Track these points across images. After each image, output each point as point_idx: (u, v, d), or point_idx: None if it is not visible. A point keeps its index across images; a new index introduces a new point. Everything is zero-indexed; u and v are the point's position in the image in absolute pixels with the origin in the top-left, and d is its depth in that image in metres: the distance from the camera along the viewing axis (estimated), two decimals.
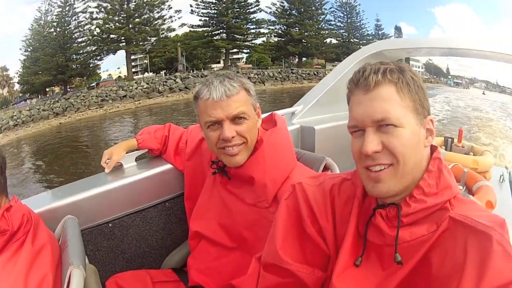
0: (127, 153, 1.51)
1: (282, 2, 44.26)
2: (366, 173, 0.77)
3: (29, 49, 48.31)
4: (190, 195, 1.40)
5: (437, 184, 0.76)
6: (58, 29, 44.94)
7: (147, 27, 40.60)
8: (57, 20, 45.15)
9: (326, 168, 1.31)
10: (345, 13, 45.86)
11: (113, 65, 48.40)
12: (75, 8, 44.61)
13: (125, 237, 1.45)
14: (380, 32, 46.09)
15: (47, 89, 49.54)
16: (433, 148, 0.82)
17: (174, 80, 36.83)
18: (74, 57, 44.55)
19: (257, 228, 1.14)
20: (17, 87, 56.12)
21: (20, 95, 56.10)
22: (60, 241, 1.14)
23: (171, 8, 41.20)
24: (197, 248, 1.32)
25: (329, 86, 2.16)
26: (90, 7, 42.67)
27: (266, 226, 1.02)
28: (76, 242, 1.06)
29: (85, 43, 43.92)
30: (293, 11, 44.20)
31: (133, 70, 60.69)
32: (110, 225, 1.42)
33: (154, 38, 41.55)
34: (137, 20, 40.51)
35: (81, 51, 44.44)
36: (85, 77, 47.90)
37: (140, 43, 41.37)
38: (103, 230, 1.41)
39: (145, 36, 40.74)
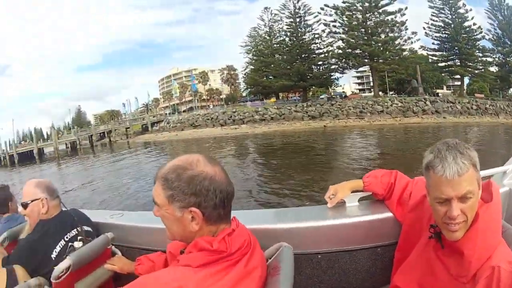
0: (352, 192, 1.56)
1: (495, 29, 44.04)
2: None
3: (257, 54, 53.48)
4: (402, 248, 1.42)
5: None
6: (293, 38, 48.36)
7: (390, 46, 42.12)
8: (290, 29, 48.77)
9: None
10: None
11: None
12: (306, 20, 47.98)
13: (328, 270, 1.52)
14: None
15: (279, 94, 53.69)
16: None
17: (424, 102, 37.83)
18: (313, 67, 47.43)
19: None
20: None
21: (243, 94, 61.68)
22: (270, 263, 1.20)
23: (407, 29, 42.50)
24: None
25: None
26: (325, 20, 45.46)
27: None
28: (289, 272, 1.12)
29: (323, 55, 46.65)
30: (506, 39, 43.54)
31: (360, 87, 64.01)
32: (319, 256, 1.49)
33: (396, 57, 42.56)
34: (381, 37, 42.32)
35: (321, 62, 47.32)
36: (324, 88, 51.03)
37: (384, 61, 42.63)
38: (311, 259, 1.50)
39: (390, 55, 42.07)
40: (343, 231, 1.46)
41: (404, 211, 1.45)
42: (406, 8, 42.05)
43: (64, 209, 1.94)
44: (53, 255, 1.75)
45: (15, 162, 50.49)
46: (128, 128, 55.63)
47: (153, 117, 60.06)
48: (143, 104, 76.81)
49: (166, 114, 62.13)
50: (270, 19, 52.28)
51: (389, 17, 42.03)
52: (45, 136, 75.44)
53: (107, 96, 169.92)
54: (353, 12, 42.94)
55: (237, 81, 63.78)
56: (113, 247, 1.93)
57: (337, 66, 46.23)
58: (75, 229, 1.87)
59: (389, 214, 1.47)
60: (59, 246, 1.78)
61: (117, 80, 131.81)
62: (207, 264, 0.96)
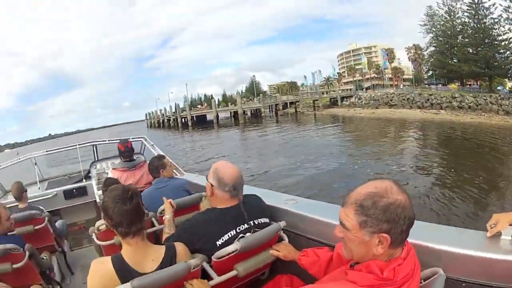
0: (510, 225, 1.49)
1: None
2: None
3: (438, 34, 54.05)
4: None
5: None
6: (475, 20, 48.81)
7: None
8: (471, 11, 49.05)
9: None
10: None
11: None
12: (483, 2, 48.18)
13: None
14: None
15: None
16: None
17: None
18: (496, 55, 47.89)
19: None
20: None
21: (425, 76, 64.32)
22: (422, 286, 1.24)
23: None
24: None
25: None
26: (501, 5, 45.98)
27: None
28: None
29: (503, 42, 46.99)
30: None
31: None
32: (463, 285, 1.46)
33: None
34: None
35: (502, 51, 47.51)
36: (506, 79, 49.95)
37: None
38: (456, 286, 1.45)
39: None
40: (490, 264, 1.39)
41: None
42: None
43: (247, 194, 2.02)
44: (219, 242, 1.84)
45: (189, 125, 56.10)
46: (317, 100, 55.90)
47: (333, 91, 62.69)
48: (325, 77, 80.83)
49: (353, 89, 63.21)
50: None
51: None
52: (216, 103, 78.87)
53: (281, 69, 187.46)
54: None
55: (422, 62, 65.01)
56: (281, 232, 2.03)
57: None
58: (251, 221, 1.94)
59: None
60: (228, 236, 1.86)
61: (291, 53, 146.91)
62: (371, 286, 1.08)
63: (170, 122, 63.77)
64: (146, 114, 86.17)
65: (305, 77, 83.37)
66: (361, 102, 50.29)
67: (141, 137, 5.88)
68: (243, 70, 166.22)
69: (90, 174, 5.78)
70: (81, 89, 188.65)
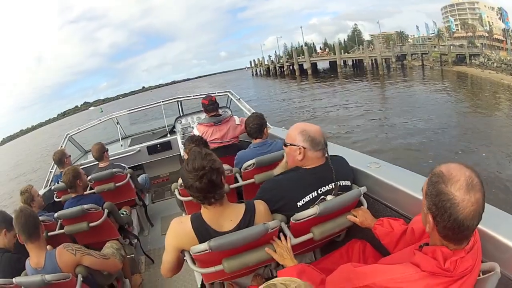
0: None
1: None
2: None
3: None
4: None
5: None
6: None
7: None
8: None
9: None
10: None
11: None
12: None
13: None
14: None
15: None
16: None
17: None
18: None
19: None
20: None
21: None
22: (477, 280, 1.19)
23: None
24: None
25: None
26: None
27: None
28: None
29: None
30: None
31: None
32: None
33: None
34: None
35: None
36: None
37: None
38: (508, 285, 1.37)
39: None
40: None
41: None
42: None
43: (329, 156, 1.91)
44: (300, 203, 1.84)
45: (308, 74, 51.93)
46: (445, 54, 43.91)
47: (460, 47, 47.31)
48: (439, 29, 65.17)
49: (480, 47, 45.49)
50: None
51: None
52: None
53: (379, 19, 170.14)
54: None
55: None
56: (361, 197, 1.97)
57: None
58: (332, 184, 1.88)
59: None
60: (309, 197, 1.85)
61: (387, 4, 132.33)
62: (432, 274, 1.10)
63: (283, 70, 59.29)
64: (250, 62, 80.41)
65: (417, 27, 65.70)
66: (491, 63, 38.68)
67: (227, 91, 5.65)
68: (340, 20, 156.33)
69: (175, 129, 5.72)
70: (173, 43, 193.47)
